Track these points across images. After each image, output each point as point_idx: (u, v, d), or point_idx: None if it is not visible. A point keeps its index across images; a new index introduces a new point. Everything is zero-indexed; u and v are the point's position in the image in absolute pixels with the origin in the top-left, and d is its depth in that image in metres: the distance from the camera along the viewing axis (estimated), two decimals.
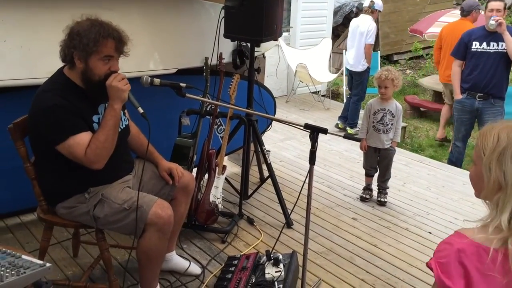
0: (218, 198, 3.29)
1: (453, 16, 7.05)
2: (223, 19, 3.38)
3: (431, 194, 4.21)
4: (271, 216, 3.63)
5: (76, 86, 2.23)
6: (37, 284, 2.14)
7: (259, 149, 3.58)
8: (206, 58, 3.34)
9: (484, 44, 4.63)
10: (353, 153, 5.07)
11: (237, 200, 3.64)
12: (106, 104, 2.33)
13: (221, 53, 3.40)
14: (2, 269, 1.78)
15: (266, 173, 3.81)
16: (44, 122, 2.14)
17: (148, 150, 2.58)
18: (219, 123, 4.02)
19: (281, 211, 3.60)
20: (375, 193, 4.01)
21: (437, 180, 4.55)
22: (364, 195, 3.98)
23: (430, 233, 3.51)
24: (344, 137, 2.28)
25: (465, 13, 5.80)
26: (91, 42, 2.10)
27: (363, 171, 4.08)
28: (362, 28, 5.72)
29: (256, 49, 3.77)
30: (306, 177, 2.24)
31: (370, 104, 3.81)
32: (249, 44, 3.70)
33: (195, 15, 3.52)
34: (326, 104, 7.24)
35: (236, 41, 3.79)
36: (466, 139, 5.13)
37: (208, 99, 3.46)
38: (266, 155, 3.56)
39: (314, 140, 2.25)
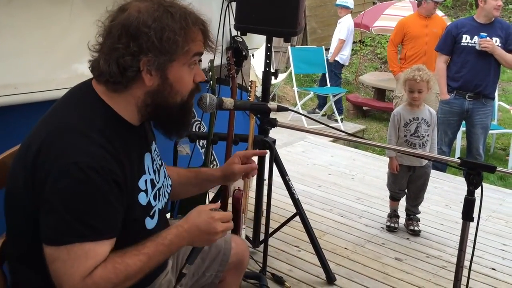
0: None
1: (399, 9, 6.69)
2: (231, 2, 2.43)
3: (454, 213, 3.54)
4: (300, 269, 2.71)
5: (120, 122, 1.21)
6: None
7: (283, 179, 2.64)
8: (211, 61, 2.35)
9: (476, 38, 4.15)
10: (340, 166, 4.33)
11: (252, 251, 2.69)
12: (155, 149, 1.38)
13: (231, 51, 2.42)
14: None
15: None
16: (66, 192, 1.11)
17: None
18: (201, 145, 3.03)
19: (307, 259, 2.76)
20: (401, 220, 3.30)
21: (448, 193, 3.91)
22: (392, 224, 3.23)
23: (494, 269, 2.87)
24: None
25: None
26: (179, 36, 1.14)
27: (366, 190, 3.35)
28: None
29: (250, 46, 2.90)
30: None
31: (399, 113, 3.05)
32: (245, 40, 2.80)
33: None
34: None
35: (231, 36, 2.84)
36: (452, 143, 4.66)
37: None
38: (292, 188, 2.63)
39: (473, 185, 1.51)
